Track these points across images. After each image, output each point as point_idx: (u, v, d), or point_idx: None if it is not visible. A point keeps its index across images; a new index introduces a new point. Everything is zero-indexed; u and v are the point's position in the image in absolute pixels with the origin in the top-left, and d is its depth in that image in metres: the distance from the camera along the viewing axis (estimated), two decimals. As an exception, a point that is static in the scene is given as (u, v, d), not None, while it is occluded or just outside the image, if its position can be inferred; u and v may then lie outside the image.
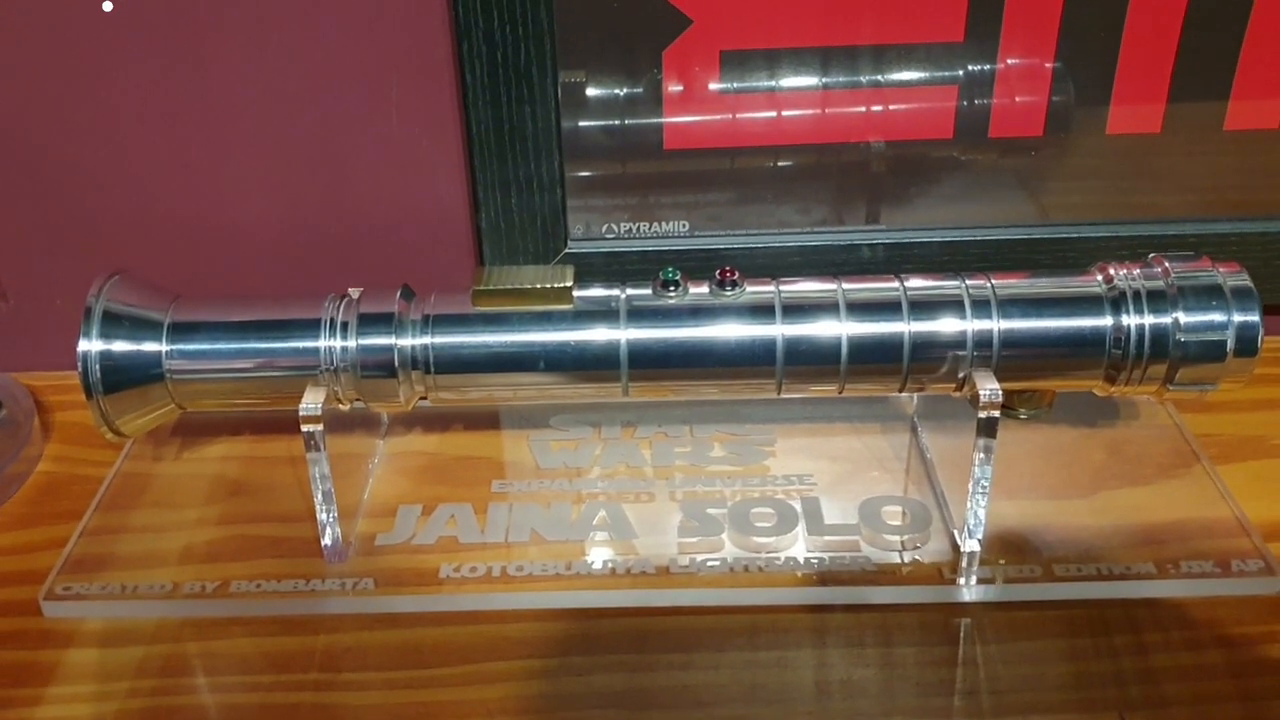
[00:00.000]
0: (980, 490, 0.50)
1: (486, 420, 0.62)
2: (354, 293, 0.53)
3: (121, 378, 0.50)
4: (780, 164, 0.62)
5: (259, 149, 0.62)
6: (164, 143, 0.61)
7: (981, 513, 0.51)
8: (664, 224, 0.63)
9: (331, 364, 0.50)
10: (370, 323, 0.50)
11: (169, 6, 0.58)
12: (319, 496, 0.50)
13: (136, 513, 0.56)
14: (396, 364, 0.50)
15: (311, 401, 0.49)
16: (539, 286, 0.50)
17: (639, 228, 0.63)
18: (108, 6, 0.57)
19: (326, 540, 0.51)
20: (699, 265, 0.60)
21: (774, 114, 0.60)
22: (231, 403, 0.52)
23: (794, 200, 0.63)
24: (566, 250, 0.63)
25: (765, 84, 0.60)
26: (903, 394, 0.53)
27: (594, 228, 0.63)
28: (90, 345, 0.49)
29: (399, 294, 0.51)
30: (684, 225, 0.63)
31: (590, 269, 0.62)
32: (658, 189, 0.63)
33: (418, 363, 0.51)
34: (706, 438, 0.59)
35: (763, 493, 0.55)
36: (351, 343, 0.50)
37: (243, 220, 0.64)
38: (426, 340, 0.50)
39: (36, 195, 0.63)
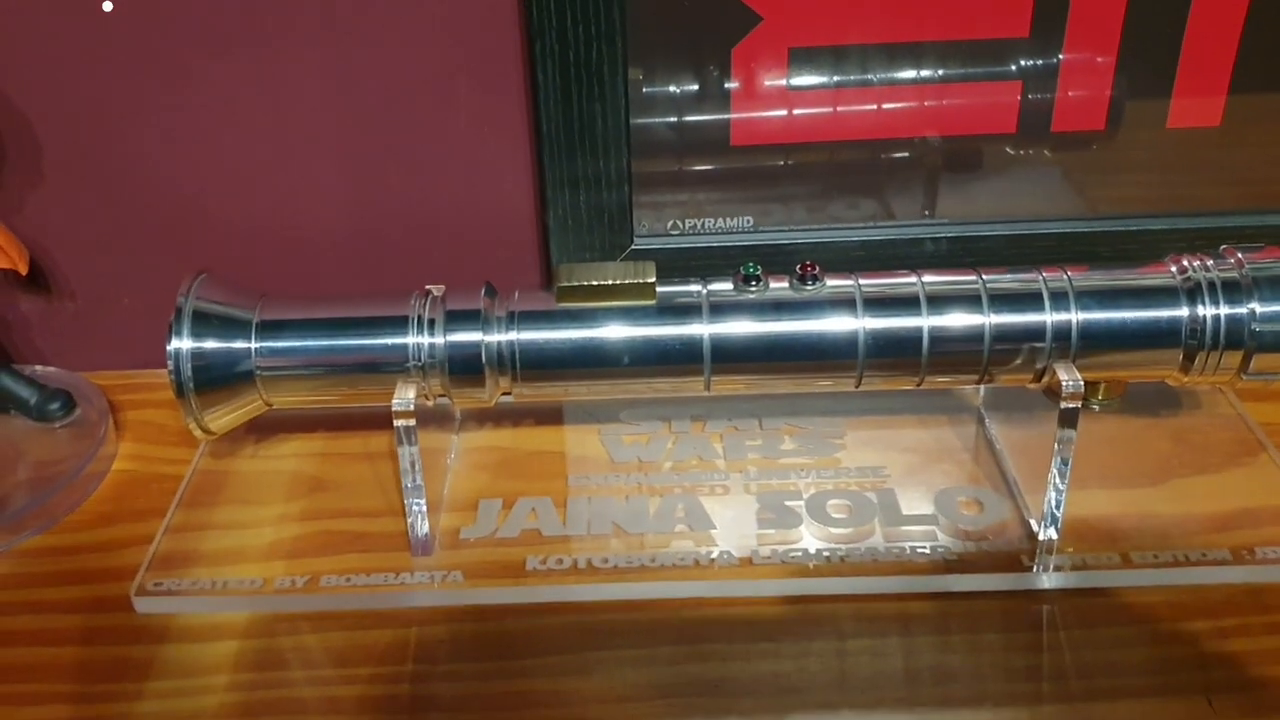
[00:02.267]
0: (1059, 479, 0.51)
1: (555, 415, 0.62)
2: (435, 290, 0.53)
3: (212, 375, 0.51)
4: (844, 159, 0.63)
5: (329, 150, 0.62)
6: (235, 144, 0.62)
7: (1060, 501, 0.51)
8: (728, 219, 0.64)
9: (419, 360, 0.51)
10: (458, 320, 0.51)
11: (243, 12, 0.58)
12: (409, 490, 0.51)
13: (218, 509, 0.56)
14: (484, 360, 0.51)
15: (404, 397, 0.50)
16: (622, 283, 0.51)
17: (703, 223, 0.64)
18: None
19: (416, 533, 0.52)
20: (763, 260, 0.60)
21: (839, 110, 0.61)
22: (318, 399, 0.53)
23: (857, 195, 0.64)
24: (632, 246, 0.63)
25: (832, 80, 0.60)
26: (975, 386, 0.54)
27: (659, 224, 0.63)
28: (181, 344, 0.50)
29: (483, 291, 0.52)
30: (748, 221, 0.64)
31: (656, 265, 0.62)
32: (723, 185, 0.63)
33: (503, 359, 0.51)
34: (776, 430, 0.60)
35: (837, 485, 0.56)
36: (440, 339, 0.51)
37: (312, 220, 0.64)
38: (512, 336, 0.51)
39: (104, 197, 0.63)
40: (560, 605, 0.51)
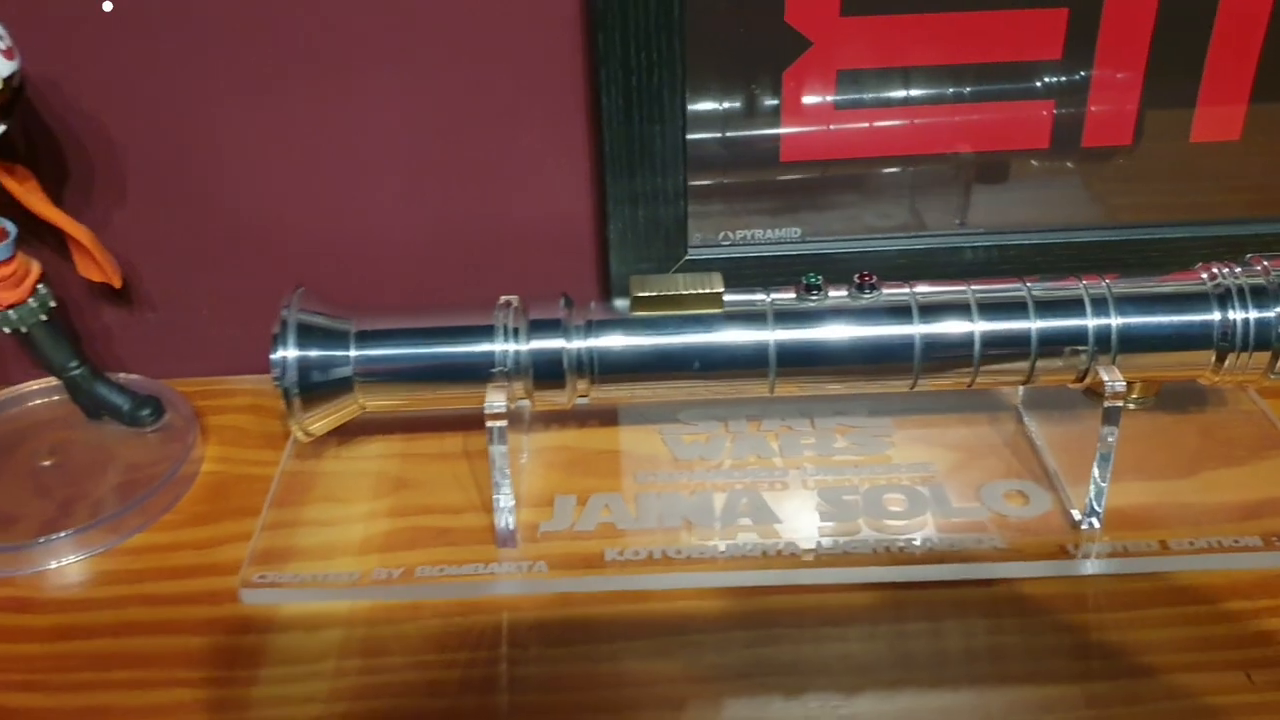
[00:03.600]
0: (1100, 473, 0.55)
1: (614, 416, 0.66)
2: (510, 300, 0.57)
3: (315, 382, 0.54)
4: (887, 172, 0.67)
5: (402, 168, 0.66)
6: (312, 163, 0.65)
7: (1102, 493, 0.55)
8: (777, 230, 0.67)
9: (506, 366, 0.55)
10: (541, 328, 0.55)
11: (326, 39, 0.62)
12: (498, 486, 0.55)
13: (309, 508, 0.60)
14: (565, 366, 0.55)
15: (496, 400, 0.53)
16: (692, 292, 0.55)
17: (753, 235, 0.68)
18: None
19: (502, 526, 0.56)
20: (810, 269, 0.64)
21: (883, 126, 0.65)
22: (410, 403, 0.56)
23: (899, 206, 0.68)
24: (687, 258, 0.67)
25: (877, 99, 0.64)
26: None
27: (711, 235, 0.67)
28: (288, 353, 0.54)
29: (562, 302, 0.56)
30: (795, 232, 0.68)
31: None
32: (772, 197, 0.67)
33: (583, 365, 0.55)
34: (828, 429, 0.64)
35: (890, 480, 0.60)
36: (524, 347, 0.55)
37: (384, 234, 0.68)
38: (591, 344, 0.55)
39: (186, 212, 0.66)
40: (638, 594, 0.54)
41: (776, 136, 0.65)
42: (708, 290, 0.55)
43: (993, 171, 0.68)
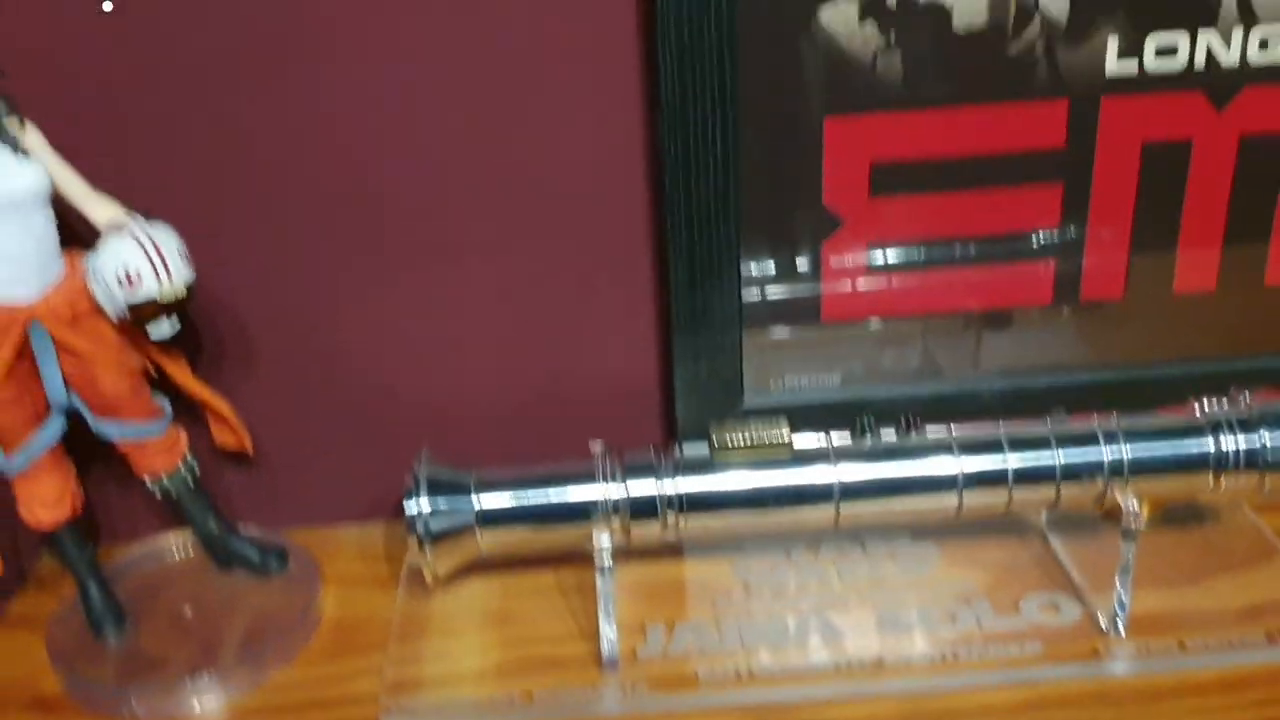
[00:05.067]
0: (1122, 585, 0.64)
1: (689, 549, 0.74)
2: (595, 446, 0.66)
3: (443, 530, 0.63)
4: (911, 324, 0.77)
5: (490, 337, 0.75)
6: (413, 334, 0.75)
7: (1127, 602, 0.64)
8: (820, 378, 0.77)
9: (607, 508, 0.63)
10: (636, 473, 0.64)
11: (426, 225, 0.72)
12: (604, 616, 0.63)
13: (427, 642, 0.67)
14: (658, 505, 0.63)
15: (605, 540, 0.62)
16: (766, 438, 0.64)
17: (799, 382, 0.77)
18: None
19: (608, 652, 0.64)
20: (853, 413, 0.73)
21: (908, 287, 0.75)
22: (522, 543, 0.65)
23: (926, 356, 0.77)
24: (744, 406, 0.76)
25: (903, 265, 0.75)
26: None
27: (764, 385, 0.77)
28: (421, 504, 0.62)
29: (651, 449, 0.65)
30: (835, 379, 0.77)
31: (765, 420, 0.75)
32: (815, 350, 0.77)
33: (672, 504, 0.64)
34: (879, 555, 0.72)
35: (938, 597, 0.68)
36: (623, 489, 0.63)
37: (474, 394, 0.77)
38: (679, 487, 0.64)
39: (300, 381, 0.76)
40: (731, 709, 0.62)
41: (817, 298, 0.75)
42: (778, 435, 0.64)
43: (1005, 323, 0.78)
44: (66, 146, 0.61)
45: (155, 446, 0.67)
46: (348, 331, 0.74)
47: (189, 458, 0.69)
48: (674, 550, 0.74)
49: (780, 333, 0.76)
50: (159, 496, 0.70)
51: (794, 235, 0.74)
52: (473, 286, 0.74)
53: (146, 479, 0.69)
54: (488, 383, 0.77)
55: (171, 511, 0.73)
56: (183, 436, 0.69)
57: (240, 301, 0.73)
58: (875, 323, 0.77)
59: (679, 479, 0.64)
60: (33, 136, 0.60)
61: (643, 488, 0.63)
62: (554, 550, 0.67)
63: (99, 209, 0.61)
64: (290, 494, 0.78)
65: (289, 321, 0.74)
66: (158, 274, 0.59)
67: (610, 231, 0.73)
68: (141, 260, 0.59)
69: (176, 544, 0.75)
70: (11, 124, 0.59)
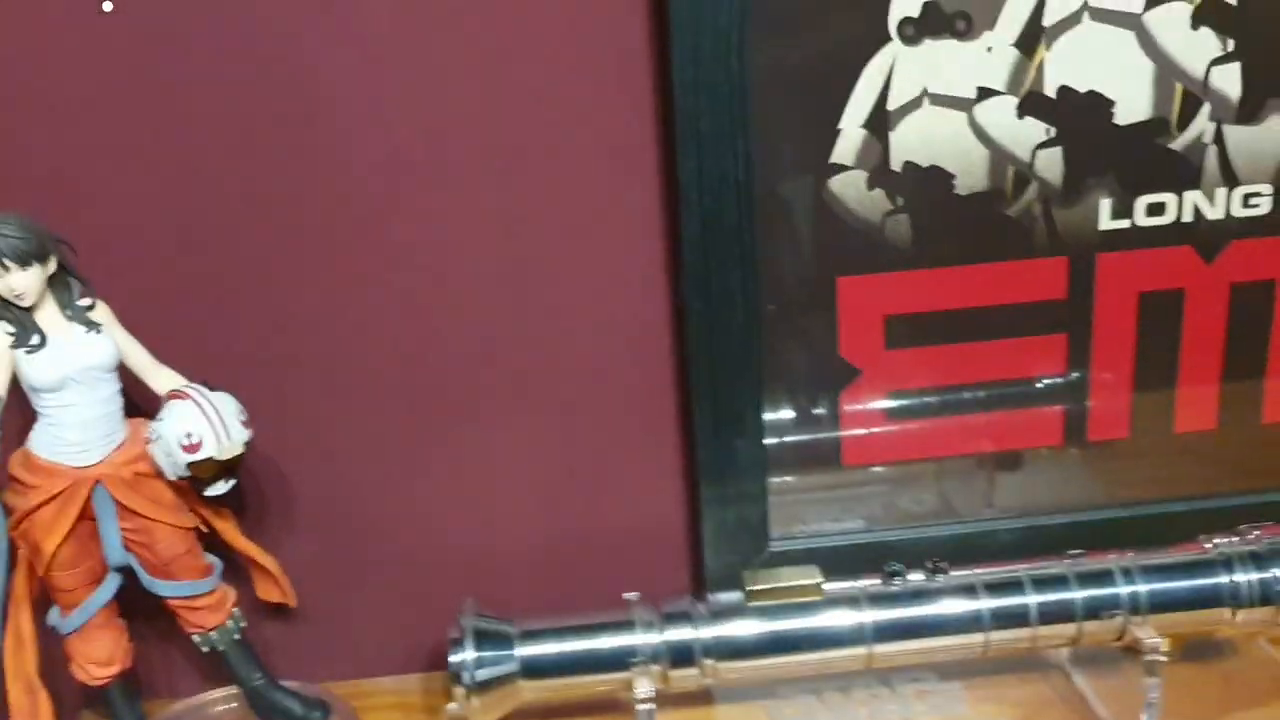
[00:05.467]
0: (1152, 717, 0.66)
1: (717, 695, 0.75)
2: (629, 597, 0.68)
3: (488, 680, 0.64)
4: (930, 470, 0.80)
5: (519, 491, 0.78)
6: (438, 483, 0.77)
7: (1153, 736, 0.66)
8: (843, 522, 0.80)
9: (645, 655, 0.65)
10: (674, 620, 0.66)
11: (457, 390, 0.75)
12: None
13: (469, 792, 0.68)
14: (695, 652, 0.65)
15: (646, 688, 0.64)
16: (798, 584, 0.67)
17: (823, 527, 0.80)
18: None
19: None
20: (876, 556, 0.76)
21: (926, 433, 0.79)
22: (562, 691, 0.66)
23: (942, 497, 0.80)
24: (770, 550, 0.79)
25: (919, 410, 0.78)
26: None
27: (788, 529, 0.79)
28: (467, 655, 0.64)
29: (689, 598, 0.67)
30: (859, 523, 0.80)
31: (790, 563, 0.78)
32: (837, 492, 0.80)
33: (708, 650, 0.66)
34: (907, 695, 0.74)
35: (970, 735, 0.70)
36: (661, 638, 0.65)
37: (505, 545, 0.79)
38: (716, 633, 0.66)
39: (336, 539, 0.78)
40: None
41: (838, 444, 0.79)
42: (810, 581, 0.67)
43: (1012, 462, 0.81)
44: (131, 323, 0.65)
45: (205, 603, 0.69)
46: (385, 488, 0.77)
47: (236, 614, 0.71)
48: (705, 697, 0.76)
49: (803, 479, 0.79)
50: (205, 651, 0.71)
51: (814, 385, 0.77)
52: (504, 445, 0.77)
53: (194, 635, 0.71)
54: (521, 534, 0.79)
55: (213, 667, 0.75)
56: (231, 593, 0.71)
57: (283, 462, 0.76)
58: (893, 466, 0.80)
59: (714, 626, 0.66)
60: (103, 312, 0.64)
61: (680, 634, 0.66)
62: (592, 698, 0.68)
63: (162, 378, 0.65)
64: (328, 647, 0.80)
65: (329, 481, 0.77)
66: (218, 436, 0.62)
67: (636, 387, 0.77)
68: (204, 425, 0.62)
69: (219, 698, 0.76)
70: (85, 302, 0.63)
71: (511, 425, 0.77)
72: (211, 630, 0.70)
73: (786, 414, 0.78)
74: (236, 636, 0.71)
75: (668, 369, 0.77)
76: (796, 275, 0.75)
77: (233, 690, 0.76)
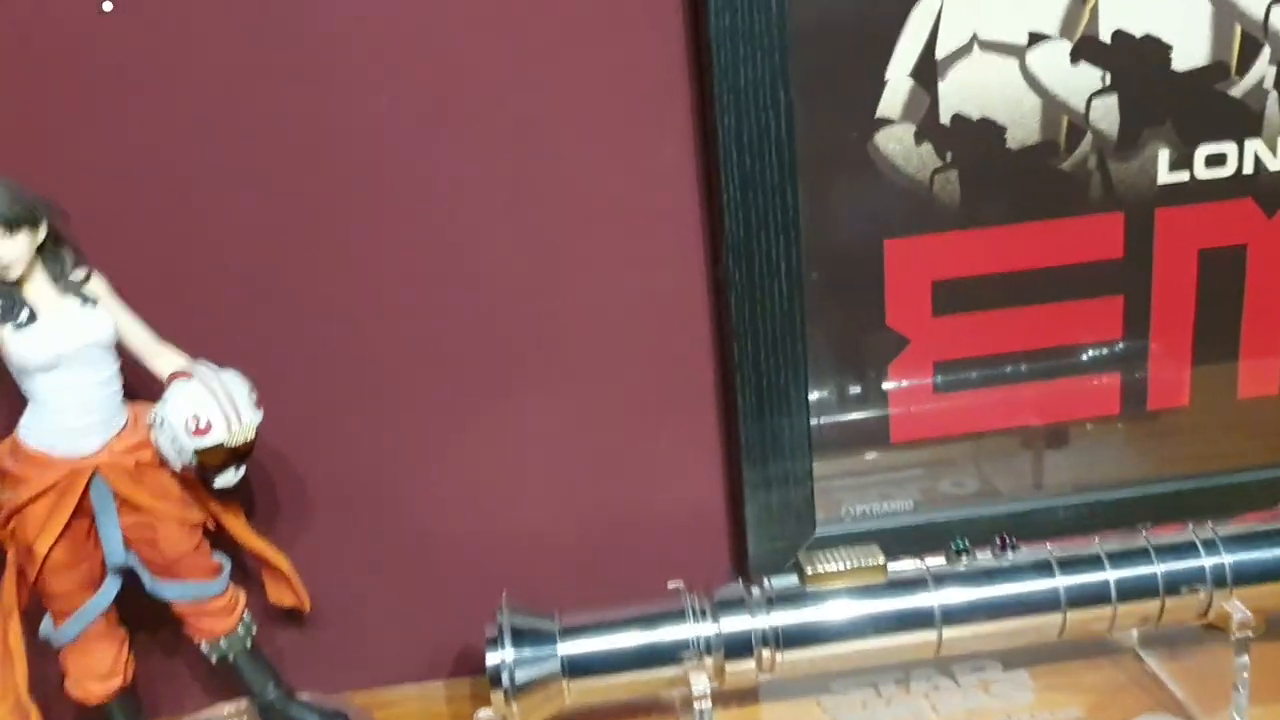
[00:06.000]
0: (1240, 697, 0.61)
1: (768, 692, 0.70)
2: (673, 584, 0.63)
3: (530, 682, 0.59)
4: (980, 446, 0.75)
5: (552, 474, 0.73)
6: (465, 471, 0.72)
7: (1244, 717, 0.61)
8: (892, 503, 0.75)
9: (699, 649, 0.60)
10: (728, 609, 0.61)
11: (484, 364, 0.70)
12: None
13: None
14: (753, 642, 0.60)
15: (701, 683, 0.59)
16: (860, 566, 0.62)
17: (871, 509, 0.75)
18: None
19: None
20: (928, 538, 0.72)
21: (977, 405, 0.74)
22: (610, 691, 0.61)
23: (999, 474, 0.76)
24: (815, 535, 0.74)
25: (970, 382, 0.74)
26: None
27: (835, 512, 0.74)
28: (505, 655, 0.59)
29: (739, 583, 0.62)
30: (909, 504, 0.75)
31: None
32: (885, 473, 0.75)
33: (767, 640, 0.61)
34: (971, 685, 0.69)
35: (1043, 725, 0.65)
36: (716, 629, 0.60)
37: (535, 532, 0.74)
38: (773, 622, 0.61)
39: (355, 536, 0.73)
40: None
41: (886, 420, 0.74)
42: (873, 562, 0.62)
43: (1065, 435, 0.76)
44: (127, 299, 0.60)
45: (214, 607, 0.64)
46: (407, 480, 0.72)
47: (248, 618, 0.65)
48: (752, 695, 0.70)
49: (849, 458, 0.74)
50: (214, 661, 0.66)
51: (860, 358, 0.73)
52: (535, 425, 0.72)
53: (203, 643, 0.65)
54: (552, 521, 0.74)
55: (221, 680, 0.69)
56: (242, 596, 0.66)
57: (295, 454, 0.70)
58: (943, 443, 0.75)
59: (773, 613, 0.61)
60: (98, 285, 0.58)
61: (736, 624, 0.60)
62: (638, 697, 0.63)
63: (164, 359, 0.60)
64: (346, 653, 0.74)
65: (346, 472, 0.71)
66: (228, 419, 0.57)
67: (672, 364, 0.72)
68: (212, 406, 0.57)
69: (229, 714, 0.71)
70: (79, 274, 0.58)
71: (542, 404, 0.72)
72: (221, 638, 0.64)
73: (832, 390, 0.73)
74: (248, 644, 0.65)
75: (706, 344, 0.72)
76: (841, 240, 0.70)
77: (243, 705, 0.70)
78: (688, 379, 0.72)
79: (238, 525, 0.65)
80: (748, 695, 0.70)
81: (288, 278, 0.67)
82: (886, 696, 0.69)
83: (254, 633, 0.66)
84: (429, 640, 0.74)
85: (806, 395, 0.71)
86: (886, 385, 0.73)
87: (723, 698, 0.69)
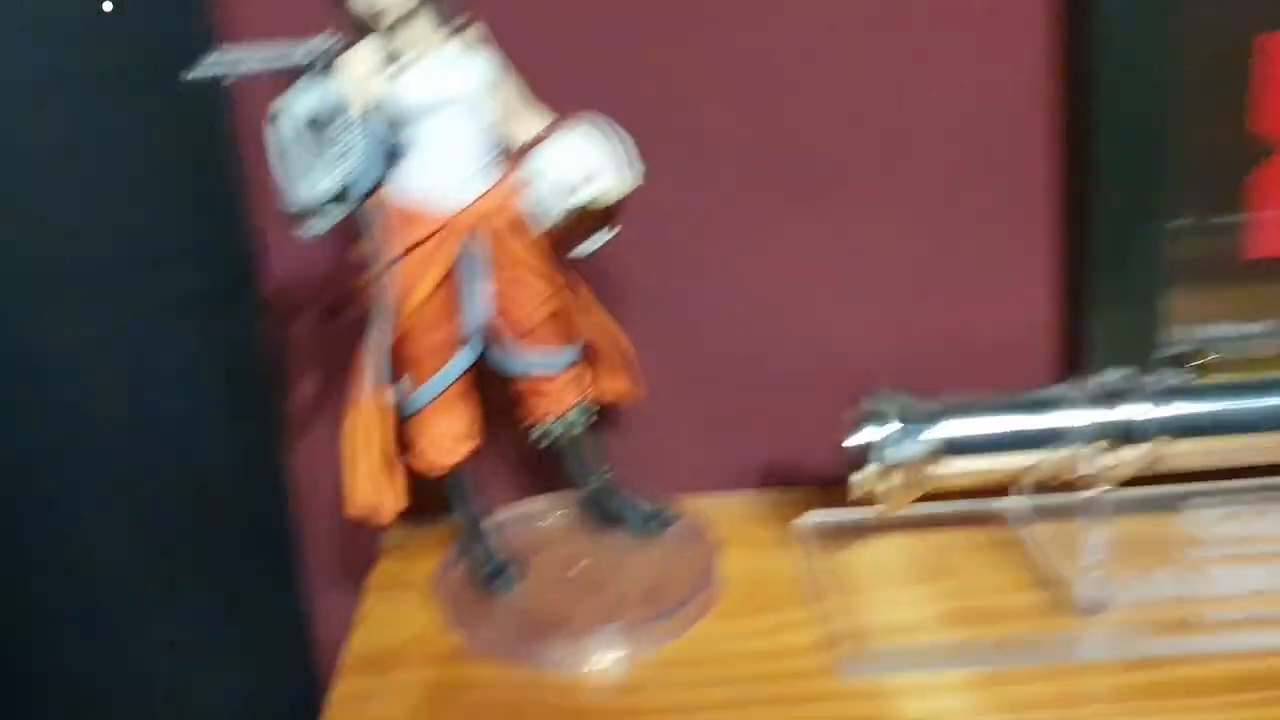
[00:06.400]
0: None
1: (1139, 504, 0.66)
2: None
3: (900, 458, 0.57)
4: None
5: (875, 285, 0.71)
6: (793, 276, 0.70)
7: None
8: (1244, 325, 0.70)
9: (1091, 437, 0.56)
10: (1120, 396, 0.57)
11: (807, 161, 0.68)
12: (1094, 556, 0.56)
13: (856, 596, 0.61)
14: (1146, 431, 0.57)
15: (1091, 468, 0.55)
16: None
17: (1220, 330, 0.70)
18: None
19: (1089, 594, 0.57)
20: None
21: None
22: (982, 476, 0.58)
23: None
24: (1162, 357, 0.69)
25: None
26: None
27: (1184, 332, 0.70)
28: (887, 429, 0.57)
29: (1132, 373, 0.58)
30: (1255, 327, 0.70)
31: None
32: (1238, 293, 0.70)
33: (1163, 429, 0.57)
34: (1344, 509, 0.64)
35: None
36: (1107, 414, 0.57)
37: (857, 348, 0.71)
38: (1167, 412, 0.57)
39: (680, 333, 0.71)
40: (1209, 656, 0.55)
41: (1242, 234, 0.69)
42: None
43: None
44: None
45: (558, 384, 0.63)
46: (729, 285, 0.70)
47: (585, 402, 0.64)
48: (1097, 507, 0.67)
49: (1201, 274, 0.70)
50: (546, 444, 0.65)
51: (1220, 166, 0.68)
52: (864, 232, 0.69)
53: (537, 426, 0.64)
54: (870, 335, 0.71)
55: (537, 475, 0.69)
56: (586, 376, 0.64)
57: (626, 255, 0.68)
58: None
59: (1169, 404, 0.57)
60: (477, 34, 0.57)
61: (1129, 411, 0.57)
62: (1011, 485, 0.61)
63: (528, 121, 0.58)
64: (660, 458, 0.73)
65: (668, 274, 0.70)
66: (618, 165, 0.55)
67: (1011, 164, 0.68)
68: (599, 154, 0.55)
69: (544, 508, 0.70)
70: (459, 19, 0.56)
71: (870, 211, 0.69)
72: (560, 416, 0.63)
73: (1187, 199, 0.68)
74: (580, 430, 0.64)
75: (1054, 143, 0.68)
76: (1209, 33, 0.65)
77: (559, 497, 0.69)
78: (1026, 181, 0.68)
79: (587, 300, 0.63)
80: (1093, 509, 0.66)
81: (646, 68, 0.66)
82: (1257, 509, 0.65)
83: (589, 420, 0.65)
84: (738, 449, 0.73)
85: (1165, 201, 0.67)
86: (1247, 196, 0.68)
87: (1064, 512, 0.66)
